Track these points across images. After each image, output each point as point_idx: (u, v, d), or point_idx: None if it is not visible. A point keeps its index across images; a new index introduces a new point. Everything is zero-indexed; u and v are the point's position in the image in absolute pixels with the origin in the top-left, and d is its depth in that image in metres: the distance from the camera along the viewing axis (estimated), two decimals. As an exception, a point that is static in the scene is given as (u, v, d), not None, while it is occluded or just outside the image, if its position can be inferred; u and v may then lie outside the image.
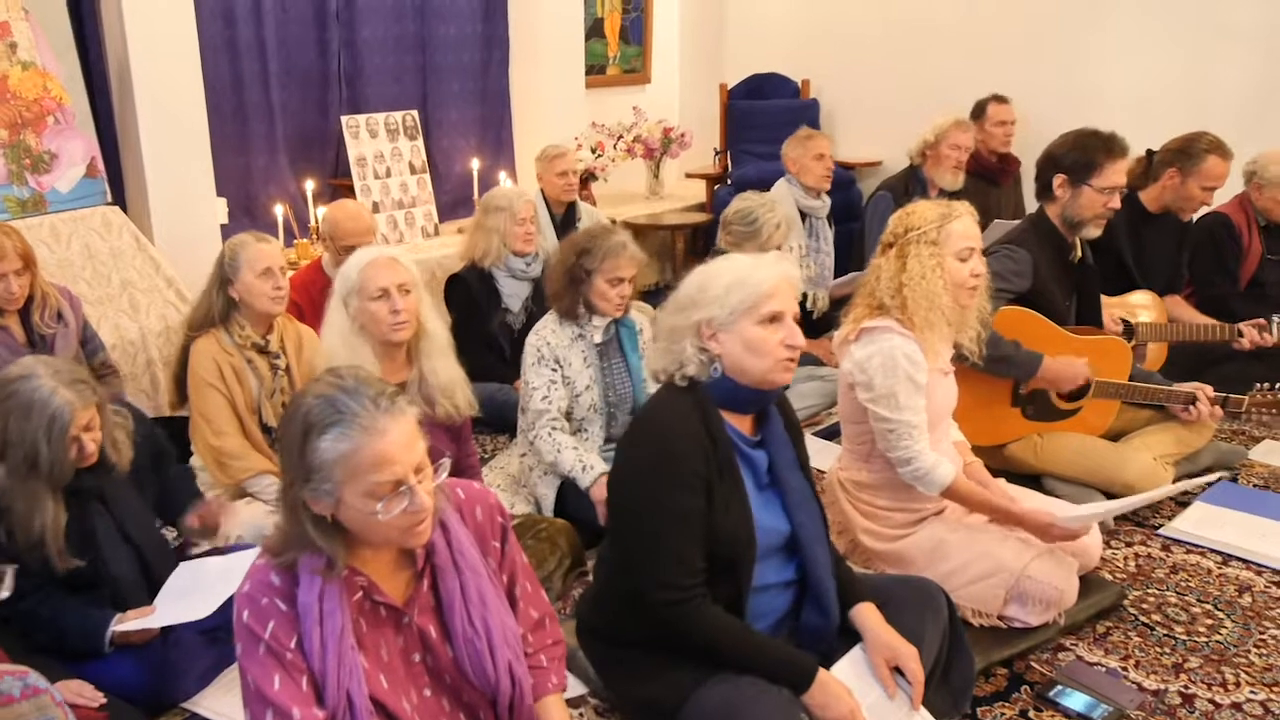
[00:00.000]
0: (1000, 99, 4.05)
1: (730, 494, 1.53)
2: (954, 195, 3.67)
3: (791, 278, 1.58)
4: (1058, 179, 2.55)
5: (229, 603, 1.78)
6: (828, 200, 3.67)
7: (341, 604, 1.21)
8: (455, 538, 1.31)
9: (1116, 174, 2.50)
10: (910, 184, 3.76)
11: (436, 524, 1.28)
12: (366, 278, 1.99)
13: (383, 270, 2.00)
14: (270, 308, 2.34)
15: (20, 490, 1.68)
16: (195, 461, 2.39)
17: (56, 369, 1.74)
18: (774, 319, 1.53)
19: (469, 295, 3.19)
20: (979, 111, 4.07)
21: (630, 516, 1.57)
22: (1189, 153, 2.96)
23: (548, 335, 2.45)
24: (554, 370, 2.42)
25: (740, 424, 1.61)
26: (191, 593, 1.82)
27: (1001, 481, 2.16)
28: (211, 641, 1.88)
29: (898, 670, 1.56)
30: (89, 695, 1.61)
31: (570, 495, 2.41)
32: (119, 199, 3.41)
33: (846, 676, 1.55)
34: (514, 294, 3.23)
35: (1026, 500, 2.07)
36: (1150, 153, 3.10)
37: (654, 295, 4.45)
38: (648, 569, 1.51)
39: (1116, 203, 2.54)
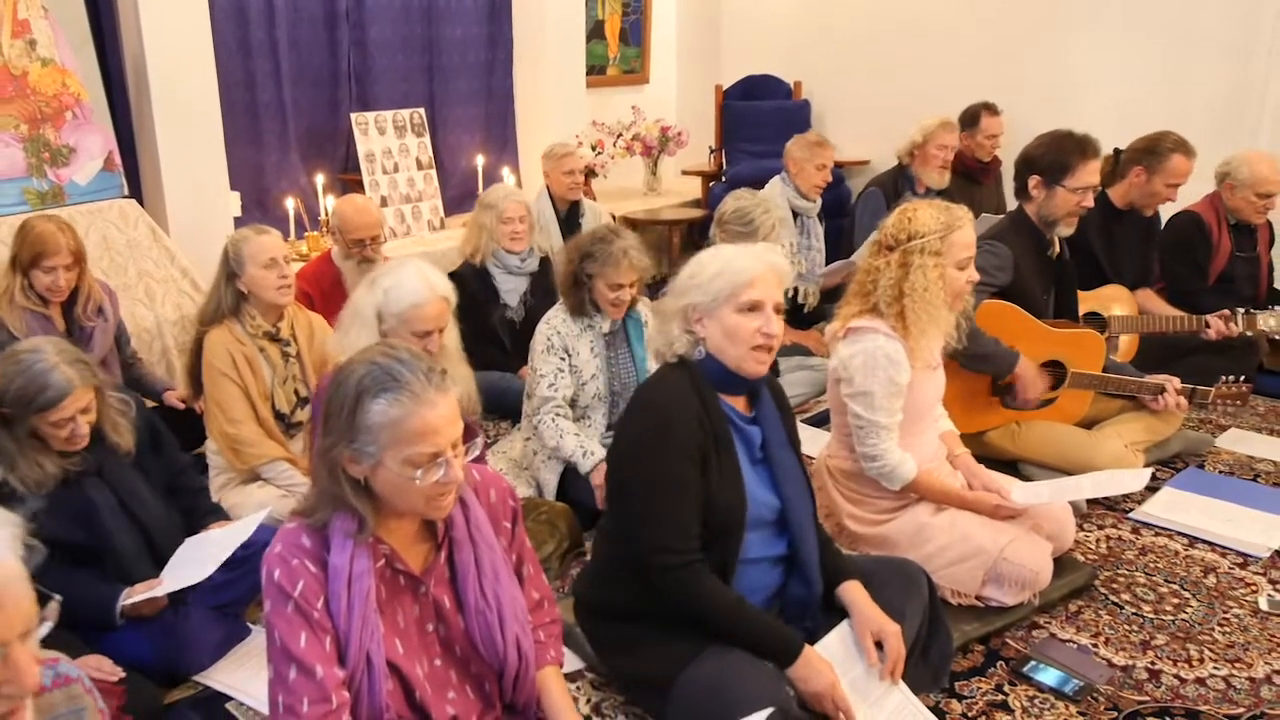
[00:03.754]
0: (993, 111, 3.98)
1: (724, 465, 1.55)
2: (940, 194, 3.67)
3: (777, 268, 1.58)
4: (1033, 180, 2.54)
5: (239, 579, 1.79)
6: (819, 200, 3.65)
7: (370, 567, 1.22)
8: (473, 514, 1.32)
9: (1089, 174, 2.49)
10: (899, 182, 3.75)
11: (457, 499, 1.28)
12: (417, 316, 1.90)
13: (433, 317, 1.92)
14: (277, 298, 2.30)
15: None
16: (209, 444, 2.38)
17: (61, 349, 1.72)
18: (753, 308, 1.54)
19: (465, 292, 3.17)
20: (972, 120, 4.00)
21: (631, 485, 1.57)
22: (1154, 151, 2.96)
23: (558, 324, 2.44)
24: (562, 359, 2.41)
25: (735, 402, 1.62)
26: (195, 560, 1.80)
27: (983, 468, 2.16)
28: (223, 616, 1.87)
29: (879, 645, 1.57)
30: (108, 670, 1.61)
31: (571, 480, 2.40)
32: (135, 192, 3.38)
33: (833, 650, 1.55)
34: (511, 289, 3.21)
35: (1016, 490, 2.07)
36: (1118, 151, 3.09)
37: (651, 288, 4.42)
38: (647, 535, 1.52)
39: (1090, 201, 2.53)
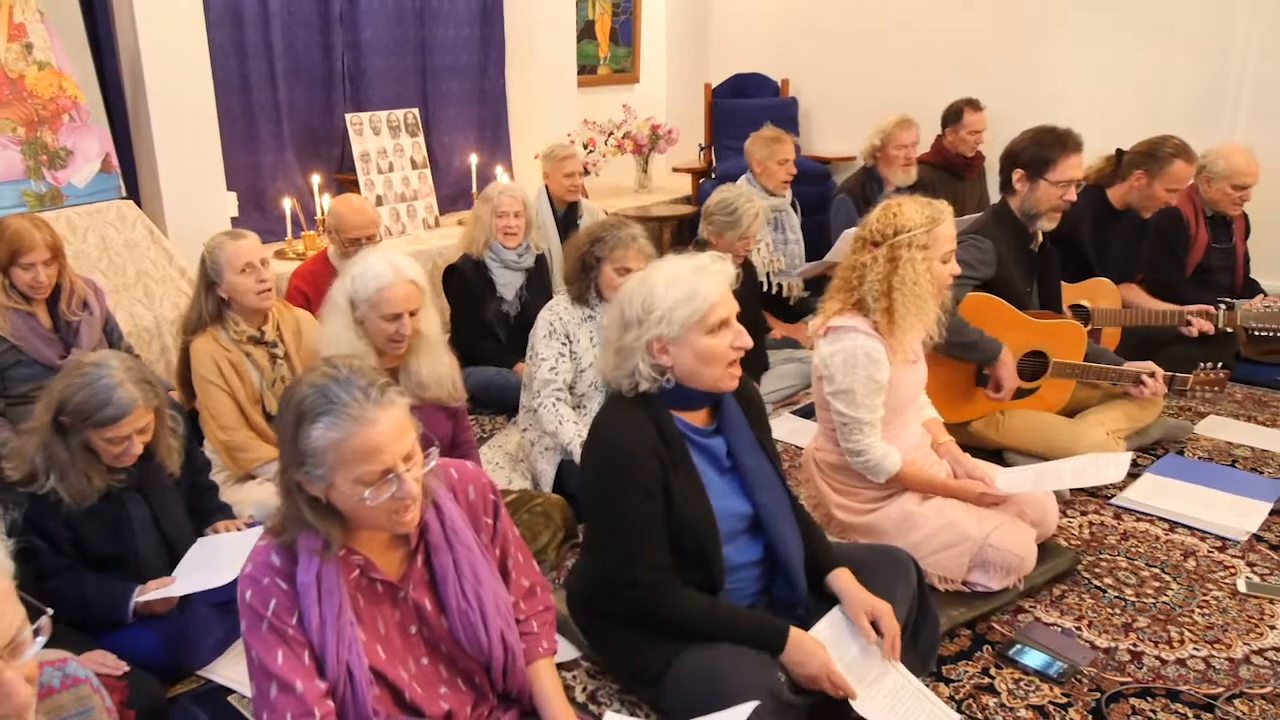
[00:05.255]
0: (975, 106, 3.96)
1: (687, 486, 1.52)
2: (911, 189, 3.66)
3: (729, 277, 1.53)
4: (1016, 173, 2.54)
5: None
6: (789, 192, 3.62)
7: (339, 582, 1.20)
8: (448, 516, 1.29)
9: (1071, 169, 2.48)
10: (867, 184, 3.73)
11: (429, 505, 1.26)
12: (384, 299, 1.88)
13: (400, 299, 1.89)
14: (258, 303, 2.26)
15: (56, 448, 1.66)
16: (207, 447, 2.36)
17: (129, 366, 1.70)
18: (722, 325, 1.50)
19: (463, 284, 3.17)
20: (956, 115, 3.99)
21: (596, 521, 1.57)
22: (1156, 156, 2.94)
23: (560, 311, 2.44)
24: (563, 344, 2.41)
25: (694, 418, 1.59)
26: (209, 564, 1.79)
27: (967, 456, 2.16)
28: (225, 613, 1.85)
29: (875, 625, 1.56)
30: (112, 664, 1.60)
31: (568, 471, 2.39)
32: (133, 193, 3.36)
33: (825, 636, 1.54)
34: (508, 283, 3.20)
35: (1000, 478, 2.07)
36: (1120, 152, 3.08)
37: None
38: (616, 567, 1.52)
39: (1072, 195, 2.53)
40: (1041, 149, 2.49)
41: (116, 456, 1.70)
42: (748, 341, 1.51)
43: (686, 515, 1.51)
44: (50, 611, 0.80)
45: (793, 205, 3.67)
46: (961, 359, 2.47)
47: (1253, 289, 3.41)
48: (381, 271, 1.89)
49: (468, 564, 1.28)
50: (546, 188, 3.76)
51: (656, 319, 1.48)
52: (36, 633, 0.79)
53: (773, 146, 3.50)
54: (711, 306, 1.48)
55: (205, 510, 1.97)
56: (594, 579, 1.64)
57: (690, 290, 1.48)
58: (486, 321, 3.16)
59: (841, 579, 1.61)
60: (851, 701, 1.46)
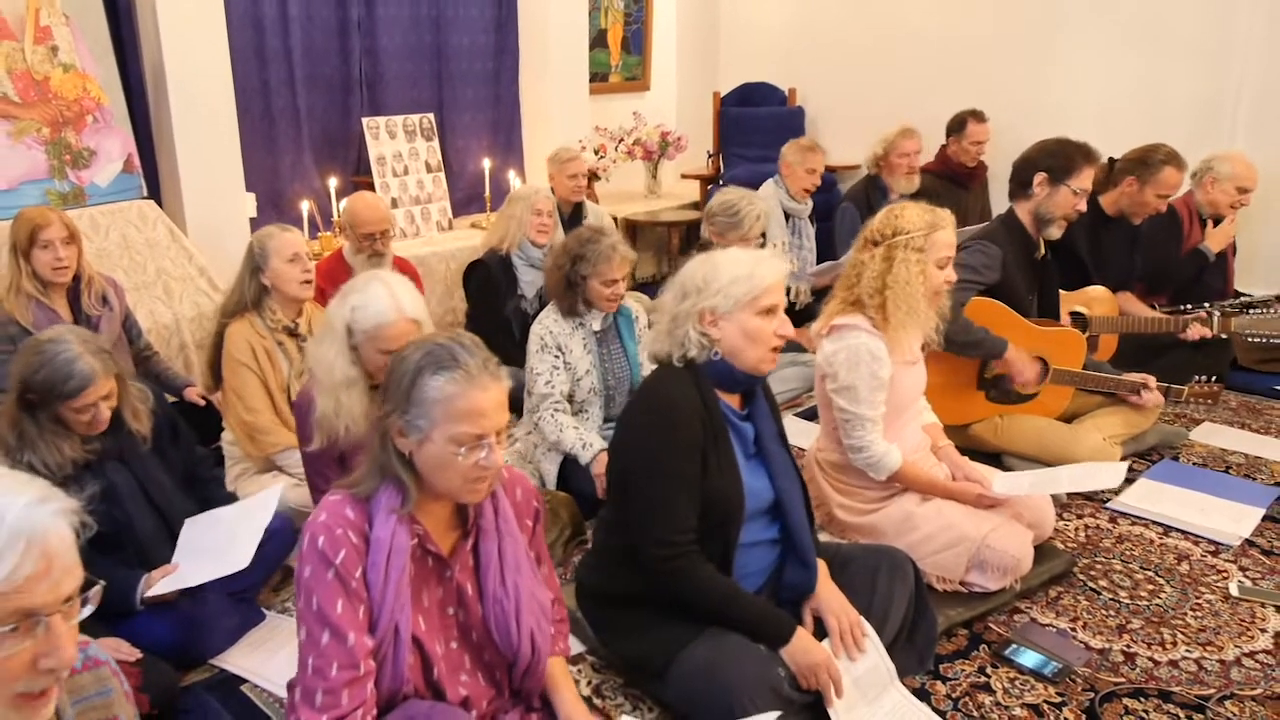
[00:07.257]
0: (979, 118, 3.97)
1: (722, 459, 1.56)
2: (913, 197, 3.66)
3: (784, 275, 1.61)
4: (1038, 177, 2.55)
5: (254, 565, 1.77)
6: (809, 202, 3.66)
7: (407, 544, 1.23)
8: (501, 506, 1.33)
9: (1088, 179, 2.52)
10: (871, 192, 3.76)
11: (491, 490, 1.29)
12: (383, 335, 1.77)
13: (398, 337, 1.76)
14: (300, 292, 2.31)
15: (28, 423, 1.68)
16: (227, 436, 2.37)
17: (84, 339, 1.72)
18: (770, 311, 1.56)
19: (488, 278, 3.18)
20: (959, 126, 4.00)
21: (632, 479, 1.58)
22: (1147, 163, 2.97)
23: (550, 324, 2.44)
24: (556, 356, 2.41)
25: (730, 400, 1.63)
26: (210, 547, 1.78)
27: (966, 460, 2.16)
28: (238, 602, 1.87)
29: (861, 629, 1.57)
30: (125, 651, 1.61)
31: (571, 470, 2.40)
32: (154, 193, 3.38)
33: (831, 648, 1.55)
34: (530, 281, 3.21)
35: (998, 481, 2.08)
36: (1112, 160, 3.10)
37: (651, 287, 4.44)
38: (647, 527, 1.53)
39: (1083, 206, 2.55)
40: (1066, 157, 2.52)
41: (87, 425, 1.71)
42: (790, 331, 1.58)
43: (719, 487, 1.54)
44: (103, 583, 0.83)
45: (810, 219, 3.70)
46: (969, 356, 2.48)
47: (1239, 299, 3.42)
48: (382, 308, 1.77)
49: (511, 554, 1.31)
50: (553, 189, 3.78)
51: (714, 291, 1.55)
52: (85, 602, 0.82)
53: (805, 154, 3.57)
54: (766, 289, 1.55)
55: (212, 500, 1.97)
56: (616, 550, 1.64)
57: (749, 270, 1.56)
58: (504, 318, 3.17)
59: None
60: (831, 710, 1.48)
